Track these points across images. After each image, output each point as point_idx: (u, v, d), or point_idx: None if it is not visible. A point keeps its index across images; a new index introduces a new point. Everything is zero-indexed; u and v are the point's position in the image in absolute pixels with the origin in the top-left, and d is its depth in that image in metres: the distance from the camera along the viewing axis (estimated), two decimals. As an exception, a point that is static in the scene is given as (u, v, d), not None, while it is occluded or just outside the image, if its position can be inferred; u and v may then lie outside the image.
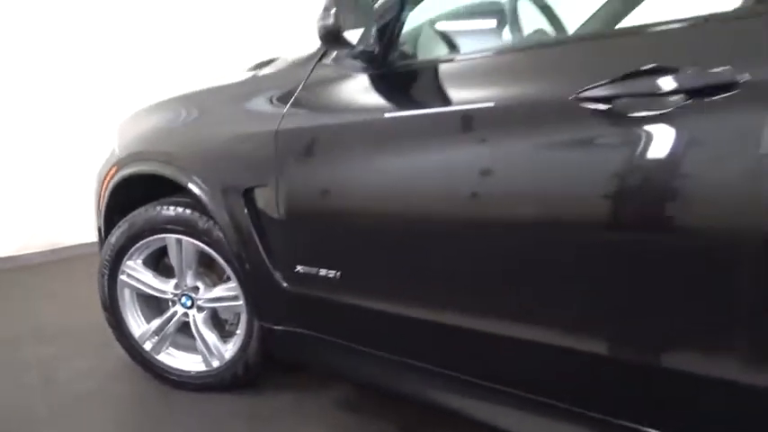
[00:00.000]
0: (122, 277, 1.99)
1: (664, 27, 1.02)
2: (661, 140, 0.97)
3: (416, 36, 1.48)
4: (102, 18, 3.90)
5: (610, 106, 1.02)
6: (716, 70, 0.92)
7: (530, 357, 1.23)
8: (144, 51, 4.06)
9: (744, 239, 0.90)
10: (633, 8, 1.75)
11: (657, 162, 0.97)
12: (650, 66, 0.98)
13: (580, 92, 1.05)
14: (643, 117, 0.98)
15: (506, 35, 1.62)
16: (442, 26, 1.47)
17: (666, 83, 0.96)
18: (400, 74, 1.40)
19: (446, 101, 1.30)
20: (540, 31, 1.67)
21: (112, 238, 1.97)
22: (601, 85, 1.03)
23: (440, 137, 1.27)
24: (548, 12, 1.72)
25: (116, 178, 2.04)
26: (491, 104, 1.20)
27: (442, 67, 1.34)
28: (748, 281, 0.92)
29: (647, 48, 1.04)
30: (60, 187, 3.86)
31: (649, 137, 0.97)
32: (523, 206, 1.17)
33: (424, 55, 1.47)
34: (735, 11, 1.01)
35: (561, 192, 1.10)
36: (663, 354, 1.04)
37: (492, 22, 1.64)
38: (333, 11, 1.21)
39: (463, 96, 1.27)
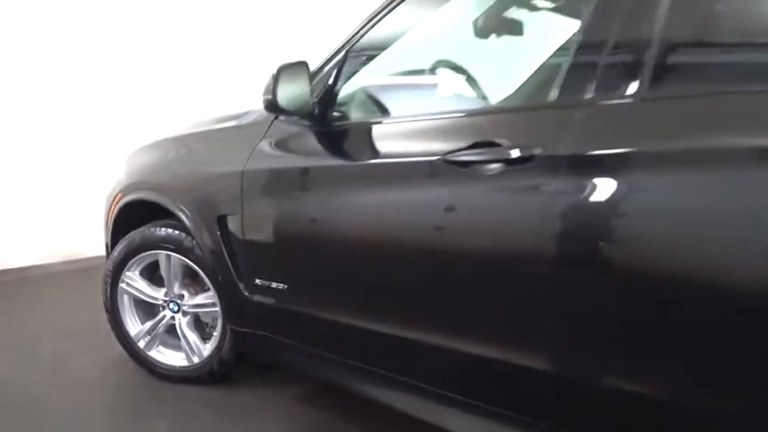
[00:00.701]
0: (122, 285, 2.40)
1: (497, 110, 1.40)
2: (487, 193, 1.34)
3: (352, 99, 1.86)
4: (120, 31, 4.37)
5: (462, 168, 1.39)
6: (520, 145, 1.29)
7: (444, 360, 1.54)
8: (164, 69, 4.54)
9: (539, 262, 1.26)
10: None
11: (485, 209, 1.35)
12: (486, 139, 1.36)
13: (445, 155, 1.42)
14: (480, 176, 1.35)
15: (422, 102, 2.01)
16: (372, 93, 1.86)
17: (493, 153, 1.33)
18: (334, 131, 1.79)
19: (367, 155, 1.68)
20: (456, 96, 2.04)
21: (115, 252, 2.39)
22: (456, 151, 1.40)
23: (357, 181, 1.65)
24: (467, 77, 2.09)
25: (121, 203, 2.46)
26: (393, 160, 1.59)
27: (368, 128, 1.72)
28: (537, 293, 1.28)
29: (488, 125, 1.42)
30: (80, 203, 4.31)
31: (478, 190, 1.35)
32: (412, 236, 1.54)
33: (355, 116, 1.86)
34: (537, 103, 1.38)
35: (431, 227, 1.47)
36: (545, 357, 1.33)
37: (413, 92, 2.03)
38: (272, 89, 1.62)
39: (379, 152, 1.66)
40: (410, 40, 1.80)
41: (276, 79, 1.63)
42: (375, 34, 1.74)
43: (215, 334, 2.28)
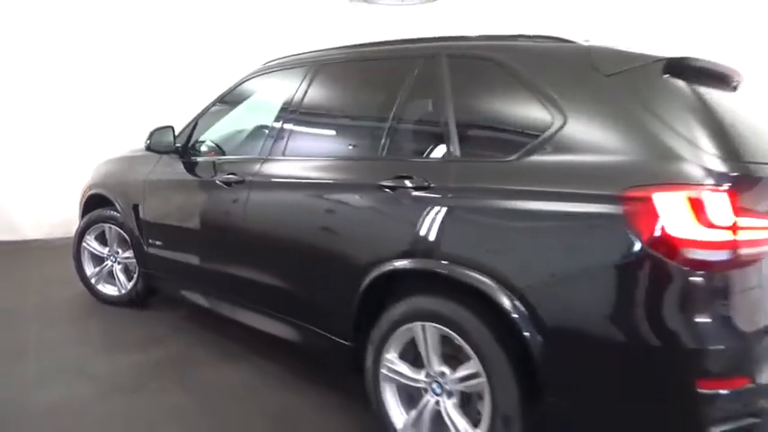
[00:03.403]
0: (84, 244, 3.98)
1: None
2: (242, 194, 2.89)
3: (199, 145, 3.39)
4: (122, 33, 6.03)
5: (226, 186, 2.94)
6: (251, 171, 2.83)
7: (248, 287, 2.97)
8: (163, 71, 6.17)
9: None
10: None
11: (240, 207, 2.90)
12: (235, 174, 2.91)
13: (223, 179, 2.96)
14: (231, 188, 2.90)
15: (234, 150, 3.49)
16: (214, 138, 3.40)
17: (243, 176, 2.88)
18: (188, 161, 3.33)
19: (201, 175, 3.23)
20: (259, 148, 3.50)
21: (81, 224, 3.98)
22: (229, 177, 2.95)
23: (202, 189, 3.19)
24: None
25: (88, 194, 4.05)
26: (209, 179, 3.13)
27: (204, 161, 3.27)
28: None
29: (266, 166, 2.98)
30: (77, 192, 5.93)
31: (233, 195, 2.90)
32: (212, 216, 3.08)
33: (200, 154, 3.38)
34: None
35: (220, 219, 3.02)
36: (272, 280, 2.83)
37: (231, 144, 3.52)
38: (147, 140, 3.20)
39: (204, 174, 3.21)
40: (236, 114, 3.37)
41: (150, 135, 3.23)
42: (212, 113, 3.31)
43: (135, 274, 3.85)
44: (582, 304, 1.77)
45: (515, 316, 1.83)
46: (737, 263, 1.66)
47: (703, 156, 1.66)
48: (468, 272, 1.94)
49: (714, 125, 1.81)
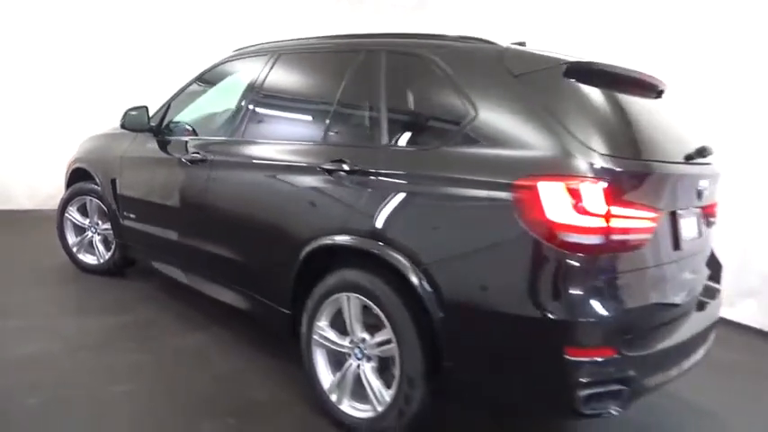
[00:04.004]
0: (66, 215, 4.22)
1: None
2: (195, 173, 3.11)
3: (171, 125, 3.60)
4: (116, 16, 6.29)
5: (191, 164, 3.16)
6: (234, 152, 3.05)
7: (206, 258, 3.22)
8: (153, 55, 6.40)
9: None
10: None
11: (195, 183, 3.12)
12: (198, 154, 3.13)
13: (188, 157, 3.18)
14: (185, 165, 3.13)
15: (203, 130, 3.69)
16: (186, 119, 3.61)
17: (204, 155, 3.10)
18: (161, 140, 3.55)
19: (172, 152, 3.45)
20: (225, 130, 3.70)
21: (64, 196, 4.22)
22: (194, 155, 3.17)
23: (170, 167, 3.41)
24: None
25: (72, 168, 4.29)
26: (178, 156, 3.35)
27: (176, 140, 3.49)
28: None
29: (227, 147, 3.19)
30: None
31: (193, 172, 3.13)
32: (181, 191, 3.30)
33: (172, 133, 3.59)
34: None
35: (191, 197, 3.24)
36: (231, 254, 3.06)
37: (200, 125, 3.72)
38: (122, 119, 3.42)
39: (175, 151, 3.43)
40: (207, 96, 3.59)
41: (124, 114, 3.45)
42: (187, 95, 3.53)
43: (112, 245, 4.09)
44: (475, 281, 1.98)
45: (421, 290, 2.05)
46: (610, 247, 1.87)
47: (586, 151, 1.86)
48: (385, 249, 2.16)
49: (602, 124, 2.02)
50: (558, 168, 1.86)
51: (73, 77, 6.24)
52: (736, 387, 3.21)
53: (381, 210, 2.22)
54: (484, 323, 1.98)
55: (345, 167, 2.37)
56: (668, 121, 2.46)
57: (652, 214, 1.97)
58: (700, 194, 2.26)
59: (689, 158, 2.26)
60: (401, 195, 2.18)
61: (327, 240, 2.38)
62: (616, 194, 1.85)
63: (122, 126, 3.52)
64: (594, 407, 1.86)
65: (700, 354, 2.37)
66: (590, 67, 2.10)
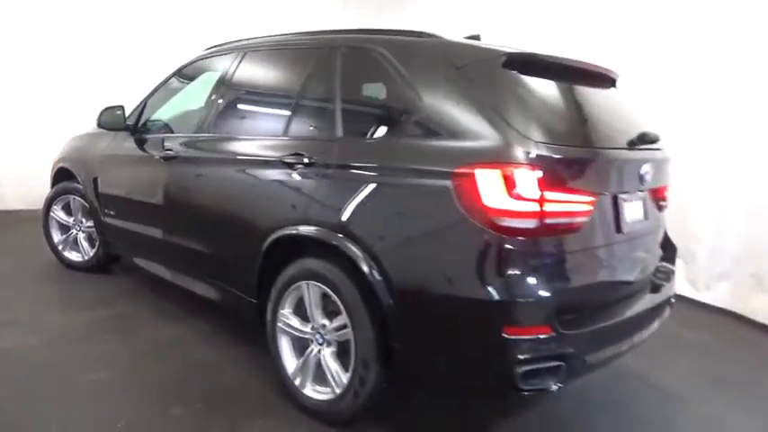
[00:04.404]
0: (51, 214, 4.32)
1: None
2: (161, 168, 3.21)
3: (147, 124, 3.69)
4: (106, 20, 6.38)
5: (166, 161, 3.25)
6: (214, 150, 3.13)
7: (180, 252, 3.31)
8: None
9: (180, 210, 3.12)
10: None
11: (173, 182, 3.21)
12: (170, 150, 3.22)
13: (162, 154, 3.28)
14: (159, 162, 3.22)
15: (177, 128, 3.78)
16: (162, 117, 3.70)
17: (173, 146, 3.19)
18: (138, 138, 3.63)
19: (149, 149, 3.54)
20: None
21: (49, 195, 4.33)
22: (170, 152, 3.26)
23: (145, 164, 3.50)
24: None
25: (56, 167, 4.39)
26: (153, 154, 3.44)
27: (152, 138, 3.58)
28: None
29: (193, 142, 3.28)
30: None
31: (172, 170, 3.22)
32: (157, 188, 3.40)
33: (148, 131, 3.68)
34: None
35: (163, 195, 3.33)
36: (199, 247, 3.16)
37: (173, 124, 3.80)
38: (98, 117, 3.51)
39: (151, 148, 3.52)
40: (181, 94, 3.67)
41: (100, 113, 3.54)
42: (157, 96, 3.62)
43: (96, 243, 4.19)
44: (420, 266, 2.07)
45: (371, 277, 2.14)
46: (544, 230, 1.95)
47: (522, 139, 1.94)
48: (339, 238, 2.25)
49: (539, 112, 2.10)
50: (494, 156, 1.94)
51: (63, 78, 6.35)
52: (702, 368, 3.29)
53: (335, 200, 2.31)
54: (428, 306, 2.07)
55: (304, 160, 2.46)
56: (616, 110, 2.54)
57: (588, 198, 2.05)
58: (642, 179, 2.33)
59: (632, 144, 2.34)
60: (353, 186, 2.27)
61: (287, 231, 2.47)
62: (550, 180, 1.94)
63: (98, 125, 3.62)
64: (533, 383, 1.94)
65: (652, 329, 2.47)
66: (528, 58, 2.18)
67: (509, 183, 1.90)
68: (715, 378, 3.17)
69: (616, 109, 2.55)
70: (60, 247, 4.35)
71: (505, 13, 6.04)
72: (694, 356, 3.45)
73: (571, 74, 2.37)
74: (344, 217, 2.26)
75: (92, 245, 4.26)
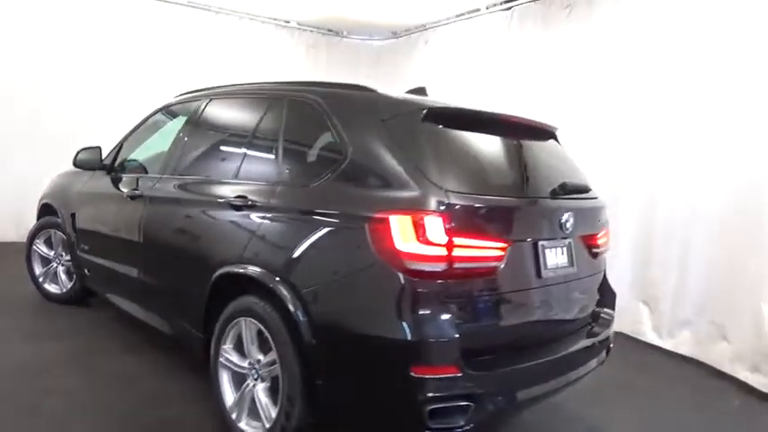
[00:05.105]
0: (34, 247, 4.50)
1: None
2: (136, 208, 3.38)
3: (122, 164, 3.88)
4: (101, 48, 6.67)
5: (132, 199, 3.42)
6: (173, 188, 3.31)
7: (141, 287, 3.46)
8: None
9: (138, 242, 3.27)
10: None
11: (150, 218, 3.38)
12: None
13: (129, 193, 3.45)
14: (136, 200, 3.39)
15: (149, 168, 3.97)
16: (136, 158, 3.89)
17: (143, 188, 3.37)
18: (113, 177, 3.82)
19: (122, 188, 3.72)
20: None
21: (32, 229, 4.52)
22: (134, 191, 3.44)
23: (116, 202, 3.68)
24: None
25: (41, 203, 4.60)
26: (126, 192, 3.62)
27: (129, 176, 3.76)
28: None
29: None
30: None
31: (140, 208, 3.39)
32: (128, 226, 3.56)
33: (123, 171, 3.87)
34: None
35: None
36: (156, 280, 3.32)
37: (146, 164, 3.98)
38: (74, 157, 3.72)
39: (124, 188, 3.70)
40: (149, 142, 3.87)
41: (76, 154, 3.75)
42: (133, 137, 3.83)
43: (74, 276, 4.35)
44: (338, 306, 2.19)
45: (295, 315, 2.25)
46: (453, 274, 2.06)
47: (433, 188, 2.08)
48: (270, 277, 2.37)
49: (453, 163, 2.24)
50: (406, 204, 2.08)
51: (57, 113, 6.61)
52: (640, 414, 3.31)
53: (271, 242, 2.46)
54: (345, 345, 2.17)
55: (248, 203, 2.61)
56: (546, 161, 2.67)
57: (500, 244, 2.16)
58: (563, 226, 2.44)
59: (554, 194, 2.46)
60: (285, 228, 2.42)
61: (229, 269, 2.60)
62: (460, 227, 2.06)
63: (74, 164, 3.82)
64: (441, 422, 2.02)
65: (582, 372, 2.54)
66: (444, 111, 2.33)
67: (419, 228, 2.02)
68: (648, 424, 3.20)
69: (546, 160, 2.68)
70: (41, 280, 4.51)
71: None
72: (638, 402, 3.47)
73: (498, 127, 2.52)
74: (276, 258, 2.40)
75: (70, 278, 4.42)
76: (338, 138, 2.40)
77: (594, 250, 2.77)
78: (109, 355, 3.53)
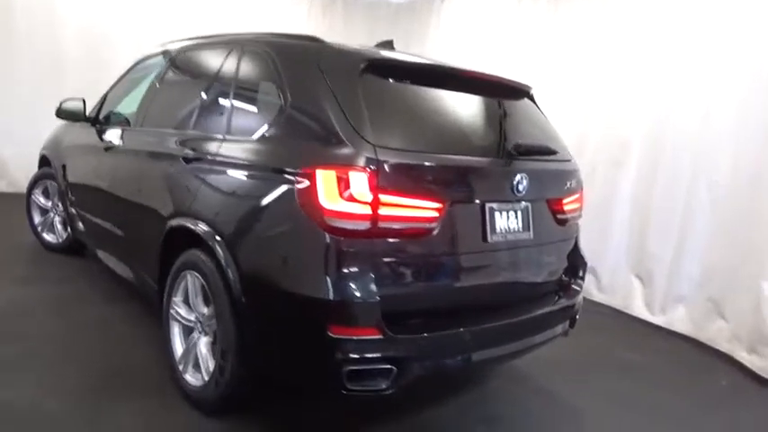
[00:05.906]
0: (32, 197, 4.62)
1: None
2: (113, 158, 3.38)
3: (107, 116, 3.89)
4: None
5: (107, 150, 3.43)
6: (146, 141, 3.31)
7: (111, 237, 3.52)
8: None
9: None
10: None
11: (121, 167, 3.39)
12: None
13: (103, 145, 3.46)
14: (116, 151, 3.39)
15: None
16: (119, 110, 3.89)
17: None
18: (98, 129, 3.84)
19: (98, 142, 3.73)
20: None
21: (31, 179, 4.62)
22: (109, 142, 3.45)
23: (95, 154, 3.72)
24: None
25: (40, 155, 4.69)
26: (111, 142, 3.64)
27: (106, 129, 3.78)
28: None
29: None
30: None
31: (119, 158, 3.40)
32: (112, 176, 3.58)
33: (108, 123, 3.88)
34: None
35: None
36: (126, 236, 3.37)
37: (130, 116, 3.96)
38: (57, 108, 3.74)
39: (109, 138, 3.71)
40: (130, 96, 3.85)
41: (60, 104, 3.77)
42: (117, 89, 3.82)
43: (68, 228, 4.45)
44: (265, 262, 2.14)
45: (227, 268, 2.21)
46: (378, 233, 1.97)
47: (363, 143, 1.97)
48: (208, 231, 2.34)
49: (390, 119, 2.12)
50: (332, 159, 1.98)
51: (54, 67, 6.64)
52: (626, 390, 3.18)
53: (213, 196, 2.43)
54: (269, 302, 2.13)
55: (198, 156, 2.56)
56: (505, 121, 2.51)
57: (434, 204, 2.05)
58: (515, 189, 2.30)
59: (508, 155, 2.31)
60: (226, 183, 2.37)
61: (176, 222, 2.58)
62: (389, 185, 1.96)
63: (56, 115, 3.85)
64: (361, 384, 1.97)
65: (534, 341, 2.44)
66: (386, 63, 2.20)
67: (343, 184, 1.93)
68: (631, 400, 3.06)
69: (511, 121, 2.52)
70: (39, 229, 4.64)
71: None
72: (622, 378, 3.34)
73: (454, 82, 2.37)
74: (216, 212, 2.36)
75: (65, 228, 4.52)
76: (280, 90, 2.31)
77: (560, 216, 2.62)
78: (89, 302, 3.61)
